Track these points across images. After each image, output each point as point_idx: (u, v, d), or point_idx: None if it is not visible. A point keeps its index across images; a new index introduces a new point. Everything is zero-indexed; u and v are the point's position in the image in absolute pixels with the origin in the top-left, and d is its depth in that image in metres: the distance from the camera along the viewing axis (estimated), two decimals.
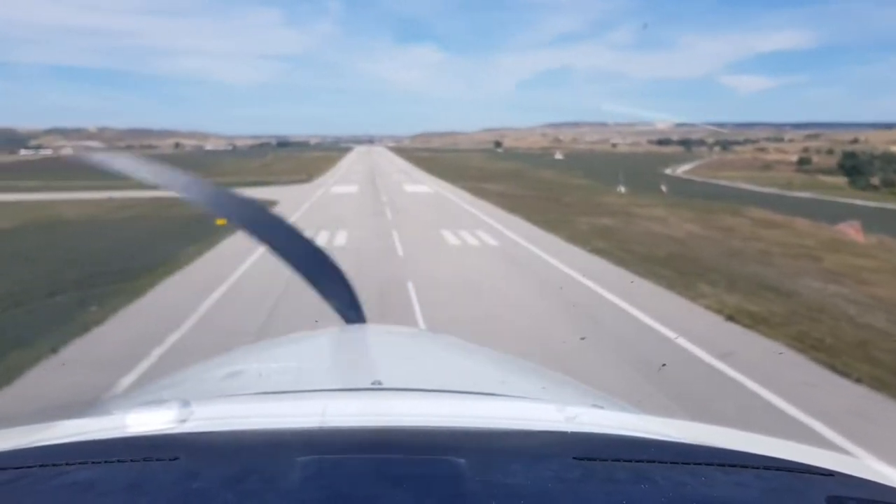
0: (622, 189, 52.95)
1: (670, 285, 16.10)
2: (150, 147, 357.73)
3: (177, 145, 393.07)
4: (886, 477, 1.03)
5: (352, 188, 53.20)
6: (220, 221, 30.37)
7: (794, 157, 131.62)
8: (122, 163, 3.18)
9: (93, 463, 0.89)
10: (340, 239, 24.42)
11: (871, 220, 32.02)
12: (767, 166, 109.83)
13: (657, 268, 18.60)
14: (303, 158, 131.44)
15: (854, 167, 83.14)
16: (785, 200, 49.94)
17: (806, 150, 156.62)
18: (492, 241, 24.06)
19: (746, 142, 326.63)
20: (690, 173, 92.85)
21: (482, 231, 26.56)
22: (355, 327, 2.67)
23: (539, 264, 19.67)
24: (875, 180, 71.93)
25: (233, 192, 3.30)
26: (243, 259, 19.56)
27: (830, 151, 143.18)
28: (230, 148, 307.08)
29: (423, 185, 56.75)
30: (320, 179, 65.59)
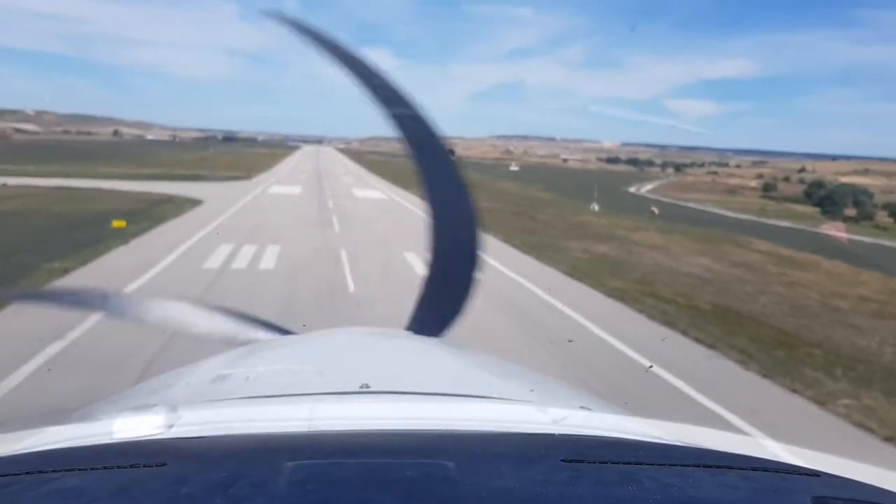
0: (595, 207, 48.00)
1: (766, 370, 10.52)
2: (88, 133, 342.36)
3: (115, 132, 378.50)
4: (872, 477, 1.01)
5: (294, 189, 46.74)
6: (118, 223, 22.79)
7: (753, 183, 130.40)
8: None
9: (80, 470, 0.88)
10: (269, 258, 18.23)
11: None
12: (732, 191, 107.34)
13: (716, 329, 13.10)
14: (246, 154, 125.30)
15: (827, 197, 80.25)
16: (773, 230, 45.75)
17: (760, 175, 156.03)
18: None
19: (693, 164, 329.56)
20: (655, 193, 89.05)
21: None
22: (342, 331, 2.71)
23: (553, 318, 13.87)
24: (850, 212, 68.70)
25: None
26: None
27: (787, 179, 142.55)
28: (171, 139, 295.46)
29: (374, 191, 50.68)
30: (261, 177, 59.07)
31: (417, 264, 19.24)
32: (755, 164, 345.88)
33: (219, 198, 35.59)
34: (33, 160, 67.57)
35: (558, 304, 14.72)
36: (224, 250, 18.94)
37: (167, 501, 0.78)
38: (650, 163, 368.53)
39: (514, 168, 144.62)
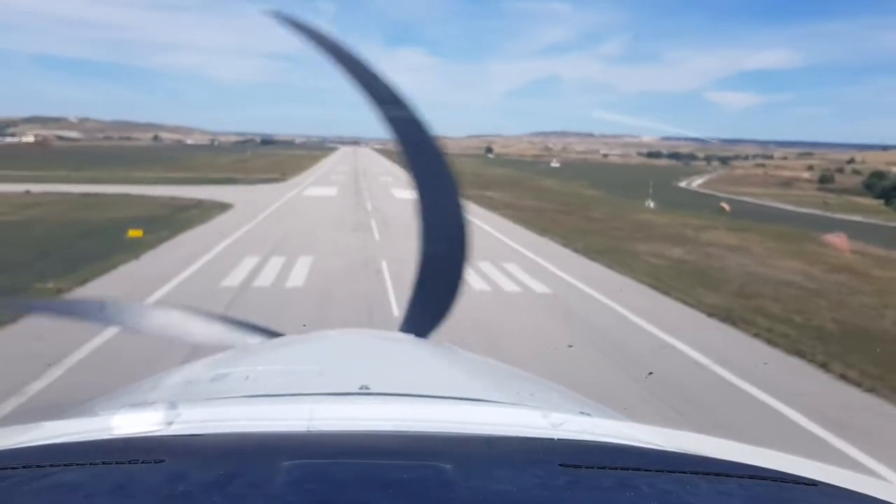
0: (651, 204, 44.63)
1: None
2: (129, 139, 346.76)
3: (155, 138, 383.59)
4: (869, 487, 1.01)
5: (330, 191, 44.31)
6: (134, 233, 19.88)
7: (806, 175, 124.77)
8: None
9: (78, 465, 0.88)
10: (299, 273, 15.60)
11: None
12: (786, 184, 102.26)
13: (860, 359, 10.16)
14: (283, 156, 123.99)
15: (892, 188, 75.29)
16: (846, 226, 41.83)
17: (810, 167, 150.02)
18: (538, 286, 15.35)
19: (737, 157, 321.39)
20: (707, 188, 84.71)
21: (514, 265, 17.85)
22: (342, 332, 2.76)
23: (653, 351, 10.93)
24: None
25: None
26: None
27: (840, 170, 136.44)
28: (210, 143, 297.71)
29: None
30: (296, 179, 56.92)
31: (471, 277, 16.45)
32: (801, 155, 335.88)
33: (250, 202, 33.32)
34: (68, 166, 66.63)
35: (653, 329, 11.79)
36: (248, 263, 16.43)
37: (165, 498, 0.78)
38: (693, 156, 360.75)
39: (555, 164, 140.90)
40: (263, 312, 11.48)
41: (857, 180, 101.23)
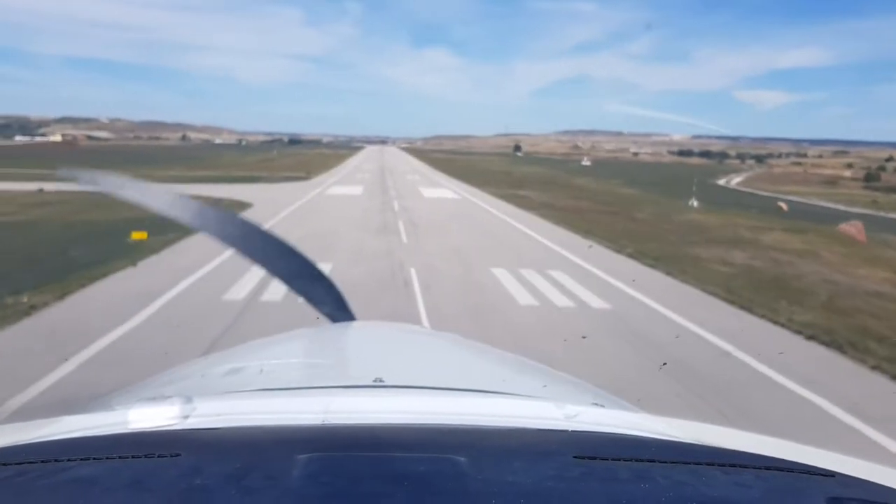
0: (695, 203, 42.00)
1: None
2: (158, 139, 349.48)
3: (183, 137, 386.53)
4: (888, 478, 0.99)
5: (355, 189, 42.25)
6: (138, 235, 18.23)
7: (847, 173, 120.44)
8: (107, 183, 3.13)
9: (95, 459, 0.89)
10: None
11: None
12: (830, 182, 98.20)
13: None
14: (309, 155, 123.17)
15: None
16: None
17: (850, 165, 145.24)
18: (594, 300, 13.01)
19: (770, 155, 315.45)
20: (747, 186, 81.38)
21: (562, 273, 15.56)
22: (356, 324, 2.74)
23: (758, 391, 8.61)
24: None
25: (211, 207, 3.11)
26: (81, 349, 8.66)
27: (882, 168, 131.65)
28: (238, 143, 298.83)
29: (444, 190, 45.81)
30: (320, 177, 55.05)
31: (509, 282, 14.20)
32: (836, 153, 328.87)
33: (271, 201, 31.42)
34: (93, 165, 65.69)
35: (751, 361, 9.44)
36: (258, 272, 14.26)
37: (181, 492, 0.78)
38: (725, 154, 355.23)
39: (586, 163, 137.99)
40: (269, 334, 9.37)
41: None
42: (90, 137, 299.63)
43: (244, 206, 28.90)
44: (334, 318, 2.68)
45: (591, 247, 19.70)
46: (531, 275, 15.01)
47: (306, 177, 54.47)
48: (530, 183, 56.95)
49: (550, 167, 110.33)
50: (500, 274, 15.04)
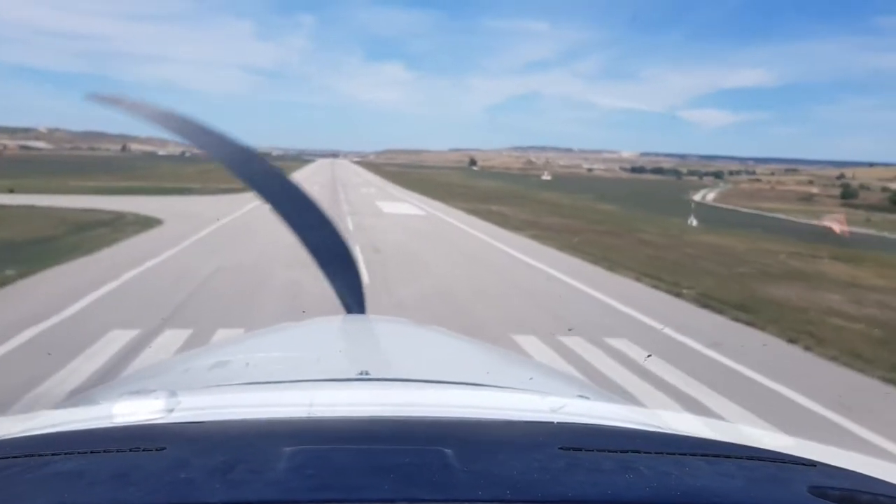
0: (694, 222, 36.74)
1: None
2: (98, 149, 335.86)
3: (123, 148, 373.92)
4: (869, 467, 1.01)
5: None
6: None
7: (814, 190, 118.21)
8: (143, 109, 2.91)
9: (78, 453, 0.88)
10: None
11: None
12: (806, 199, 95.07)
13: None
14: None
15: None
16: None
17: (811, 182, 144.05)
18: (715, 400, 6.86)
19: (719, 172, 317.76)
20: (724, 202, 77.01)
21: (629, 342, 9.42)
22: (342, 318, 2.75)
23: None
24: None
25: (256, 156, 3.04)
26: None
27: (847, 186, 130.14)
28: (181, 154, 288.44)
29: (406, 204, 39.53)
30: None
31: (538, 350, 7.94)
32: (787, 171, 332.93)
33: (190, 216, 24.84)
34: (10, 175, 58.16)
35: None
36: (114, 344, 8.01)
37: (166, 485, 0.78)
38: (678, 172, 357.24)
39: (546, 177, 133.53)
40: None
41: (879, 196, 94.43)
42: (24, 147, 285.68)
43: (152, 222, 22.38)
44: (348, 308, 2.66)
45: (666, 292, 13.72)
46: (586, 350, 8.89)
47: (246, 189, 47.56)
48: (498, 197, 51.19)
49: (511, 181, 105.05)
50: (536, 349, 8.88)
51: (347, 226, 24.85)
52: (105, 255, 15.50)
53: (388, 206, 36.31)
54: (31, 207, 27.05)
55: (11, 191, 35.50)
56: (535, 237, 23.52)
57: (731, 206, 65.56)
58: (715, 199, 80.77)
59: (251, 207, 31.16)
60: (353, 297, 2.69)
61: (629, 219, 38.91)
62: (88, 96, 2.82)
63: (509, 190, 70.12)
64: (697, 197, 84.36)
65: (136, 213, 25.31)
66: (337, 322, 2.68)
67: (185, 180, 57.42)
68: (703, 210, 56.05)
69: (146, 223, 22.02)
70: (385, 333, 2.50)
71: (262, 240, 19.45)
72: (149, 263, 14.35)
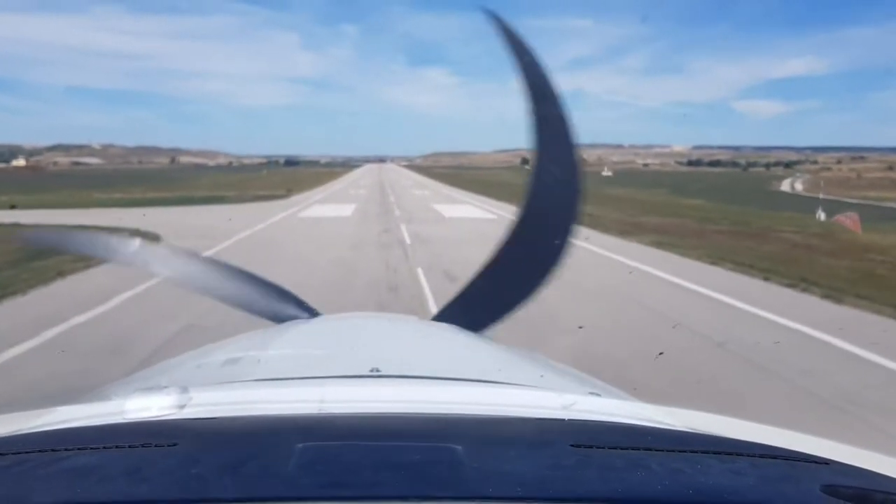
0: (822, 216, 29.89)
1: None
2: (148, 162, 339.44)
3: (172, 161, 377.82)
4: (882, 466, 0.99)
5: (343, 209, 29.94)
6: None
7: None
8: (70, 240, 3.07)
9: (92, 449, 0.89)
10: None
11: None
12: None
13: None
14: (302, 173, 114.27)
15: None
16: None
17: (890, 168, 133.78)
18: None
19: (778, 163, 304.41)
20: (819, 192, 68.85)
21: None
22: (352, 315, 2.77)
23: None
24: None
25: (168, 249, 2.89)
26: None
27: None
28: (228, 165, 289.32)
29: (468, 206, 33.49)
30: (303, 195, 43.44)
31: None
32: (854, 159, 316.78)
33: (199, 231, 19.51)
34: (40, 190, 55.18)
35: None
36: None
37: (178, 481, 0.78)
38: (735, 163, 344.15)
39: (607, 173, 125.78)
40: None
41: None
42: (76, 163, 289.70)
43: (149, 240, 16.71)
44: (440, 315, 2.61)
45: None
46: None
47: (285, 195, 42.75)
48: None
49: None
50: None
51: (402, 237, 18.97)
52: (66, 289, 10.12)
53: (448, 210, 30.29)
54: (13, 226, 21.95)
55: (13, 207, 31.51)
56: (655, 244, 17.30)
57: (830, 197, 57.73)
58: (806, 189, 72.52)
59: (280, 218, 25.69)
60: (478, 313, 2.49)
61: (736, 215, 32.17)
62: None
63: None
64: (786, 187, 76.34)
65: (137, 228, 19.95)
66: (348, 319, 2.68)
67: (223, 189, 52.95)
68: (803, 201, 48.84)
69: (151, 236, 16.51)
70: (396, 330, 2.45)
71: (281, 266, 13.52)
72: (110, 304, 8.67)
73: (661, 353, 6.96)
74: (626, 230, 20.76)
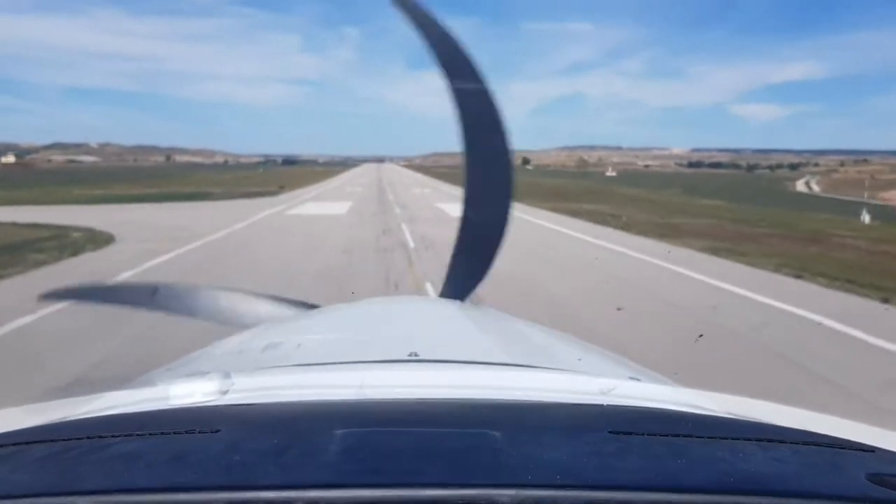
0: (867, 219, 27.06)
1: None
2: (144, 160, 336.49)
3: (168, 159, 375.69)
4: None
5: (338, 207, 26.96)
6: None
7: None
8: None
9: (138, 435, 0.89)
10: None
11: None
12: None
13: None
14: (299, 172, 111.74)
15: None
16: None
17: None
18: None
19: (779, 166, 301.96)
20: (839, 193, 66.04)
21: None
22: (391, 299, 2.77)
23: None
24: None
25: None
26: None
27: None
28: (224, 163, 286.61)
29: None
30: (295, 192, 40.94)
31: None
32: (857, 162, 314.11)
33: (166, 232, 16.48)
34: (22, 186, 53.14)
35: None
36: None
37: (221, 467, 0.79)
38: (736, 165, 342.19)
39: (611, 174, 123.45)
40: None
41: None
42: (71, 161, 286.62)
43: (83, 246, 13.88)
44: (445, 294, 2.65)
45: None
46: None
47: (276, 192, 40.19)
48: (580, 194, 42.04)
49: (577, 179, 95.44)
50: None
51: (405, 239, 16.03)
52: None
53: (453, 209, 27.32)
54: None
55: None
56: (710, 251, 14.39)
57: (850, 198, 54.63)
58: (824, 190, 69.75)
59: (266, 214, 22.70)
60: (461, 285, 2.60)
61: (771, 216, 29.29)
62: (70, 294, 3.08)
63: (584, 186, 60.61)
64: (802, 188, 73.54)
65: (92, 228, 17.10)
66: (387, 303, 2.73)
67: (211, 186, 50.32)
68: (827, 202, 46.03)
69: (74, 248, 13.60)
70: (435, 315, 2.37)
71: (250, 272, 10.52)
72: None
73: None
74: (664, 233, 17.86)
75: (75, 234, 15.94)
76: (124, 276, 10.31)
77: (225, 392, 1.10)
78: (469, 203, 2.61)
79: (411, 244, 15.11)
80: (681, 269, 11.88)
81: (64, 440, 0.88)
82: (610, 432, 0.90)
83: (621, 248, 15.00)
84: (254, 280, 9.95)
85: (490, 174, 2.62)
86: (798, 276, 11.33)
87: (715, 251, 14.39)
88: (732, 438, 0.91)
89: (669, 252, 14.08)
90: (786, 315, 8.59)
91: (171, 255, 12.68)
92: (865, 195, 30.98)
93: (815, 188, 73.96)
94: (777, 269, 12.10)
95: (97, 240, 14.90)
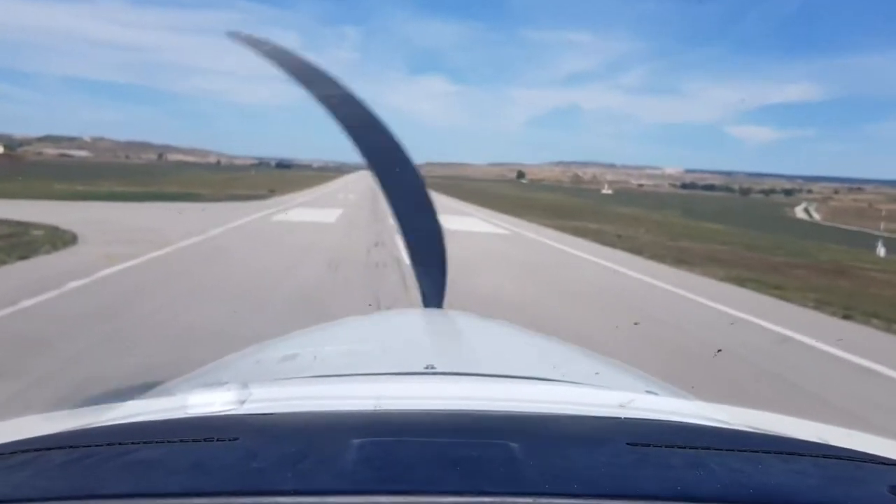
0: (882, 252, 25.87)
1: None
2: (136, 157, 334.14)
3: (160, 157, 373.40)
4: None
5: (327, 214, 25.56)
6: None
7: None
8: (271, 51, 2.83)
9: (156, 443, 0.91)
10: None
11: None
12: None
13: None
14: (293, 175, 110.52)
15: None
16: None
17: None
18: None
19: (773, 191, 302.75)
20: (841, 222, 65.03)
21: None
22: (408, 311, 2.89)
23: None
24: None
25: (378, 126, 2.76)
26: None
27: None
28: (216, 163, 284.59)
29: (473, 220, 29.17)
30: (286, 196, 39.78)
31: None
32: (852, 189, 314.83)
33: (135, 234, 15.01)
34: (27, 176, 52.06)
35: None
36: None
37: (240, 475, 0.80)
38: (729, 188, 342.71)
39: (607, 191, 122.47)
40: None
41: None
42: (63, 155, 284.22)
43: (35, 248, 12.41)
44: (426, 302, 2.70)
45: None
46: None
47: (266, 195, 38.86)
48: (578, 212, 40.85)
49: (570, 195, 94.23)
50: None
51: (399, 255, 14.58)
52: None
53: (451, 222, 25.77)
54: None
55: None
56: (737, 282, 13.02)
57: (855, 228, 53.52)
58: (825, 218, 68.84)
59: (251, 219, 21.22)
60: (434, 292, 2.72)
61: (784, 244, 28.01)
62: (229, 34, 2.76)
63: (581, 204, 59.34)
64: (801, 215, 72.68)
65: (57, 226, 15.56)
66: (403, 316, 2.83)
67: (200, 186, 48.70)
68: (831, 231, 44.89)
69: (28, 249, 12.12)
70: (451, 327, 2.47)
71: (197, 311, 9.05)
72: None
73: None
74: (680, 258, 16.46)
75: (35, 233, 14.38)
76: (70, 287, 8.82)
77: (243, 402, 1.10)
78: (400, 220, 2.79)
79: (406, 260, 13.69)
80: (719, 306, 10.39)
81: (84, 446, 0.89)
82: (628, 444, 0.89)
83: (638, 275, 13.57)
84: (211, 304, 8.49)
85: (405, 189, 2.78)
86: (846, 317, 9.96)
87: (741, 282, 12.99)
88: (752, 451, 0.90)
89: (710, 289, 12.68)
90: (866, 373, 7.18)
91: (133, 262, 11.17)
92: (882, 226, 29.55)
93: (816, 216, 73.08)
94: (818, 306, 10.70)
95: (57, 240, 13.34)
